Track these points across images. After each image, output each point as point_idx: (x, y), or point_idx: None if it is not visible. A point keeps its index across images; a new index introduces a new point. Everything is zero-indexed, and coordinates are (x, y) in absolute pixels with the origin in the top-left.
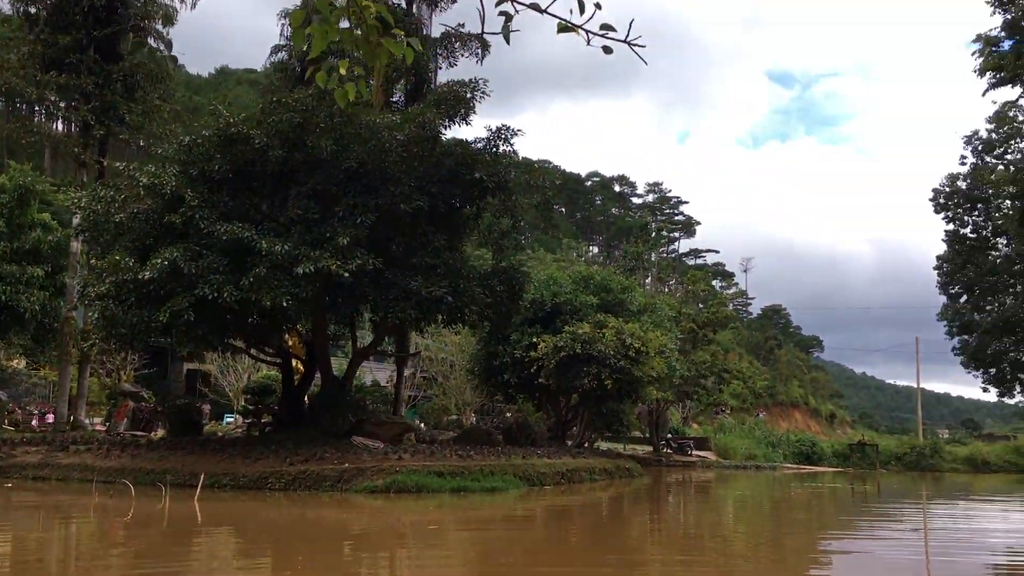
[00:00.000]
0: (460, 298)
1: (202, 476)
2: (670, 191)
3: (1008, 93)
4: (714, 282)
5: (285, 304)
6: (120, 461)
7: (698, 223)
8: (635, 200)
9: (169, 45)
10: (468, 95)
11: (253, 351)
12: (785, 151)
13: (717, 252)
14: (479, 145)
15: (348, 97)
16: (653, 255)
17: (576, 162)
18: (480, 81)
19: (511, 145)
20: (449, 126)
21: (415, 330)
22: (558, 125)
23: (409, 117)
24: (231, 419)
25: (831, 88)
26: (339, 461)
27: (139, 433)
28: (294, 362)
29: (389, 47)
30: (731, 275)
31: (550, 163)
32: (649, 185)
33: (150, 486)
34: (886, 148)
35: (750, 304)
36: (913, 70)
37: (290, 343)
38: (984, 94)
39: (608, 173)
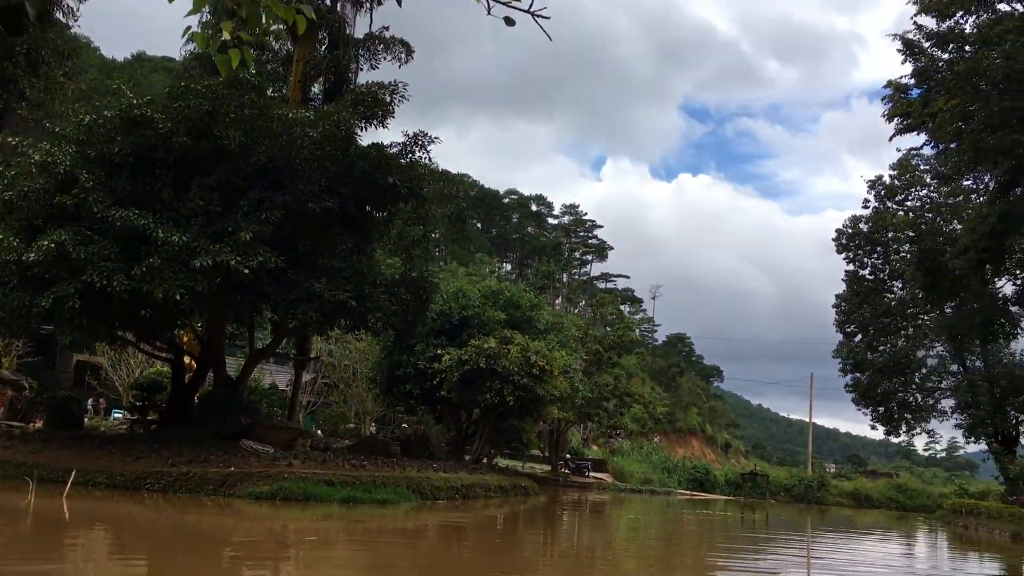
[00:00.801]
0: (364, 304)
1: (73, 472)
2: (585, 214)
3: (914, 140)
4: (622, 307)
5: (179, 297)
6: None
7: (611, 248)
8: (551, 221)
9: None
10: (387, 98)
11: (144, 345)
12: (696, 184)
13: (627, 277)
14: (395, 150)
15: (231, 64)
16: (564, 276)
17: (495, 179)
18: (400, 84)
19: (428, 152)
20: (366, 128)
21: (317, 334)
22: (479, 142)
23: (324, 115)
24: (118, 415)
25: (743, 127)
26: (224, 464)
27: (15, 424)
28: (187, 359)
29: (276, 10)
30: (639, 301)
31: (468, 177)
32: (565, 207)
33: (19, 480)
34: (793, 188)
35: (656, 331)
36: (820, 114)
37: (184, 339)
38: (891, 139)
39: (526, 192)
